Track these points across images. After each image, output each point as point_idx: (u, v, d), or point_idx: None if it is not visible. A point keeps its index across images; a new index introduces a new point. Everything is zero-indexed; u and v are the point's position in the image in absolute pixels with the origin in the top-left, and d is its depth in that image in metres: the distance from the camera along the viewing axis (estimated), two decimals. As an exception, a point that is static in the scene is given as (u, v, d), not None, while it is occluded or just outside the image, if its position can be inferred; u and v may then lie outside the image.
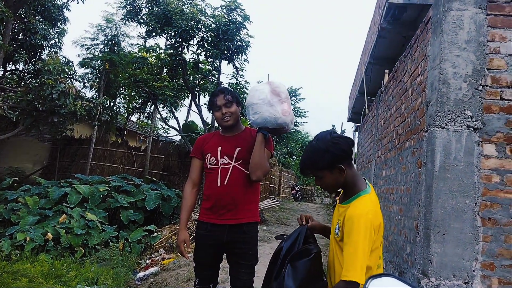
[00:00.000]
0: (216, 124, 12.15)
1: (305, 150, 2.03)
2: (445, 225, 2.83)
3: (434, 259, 2.81)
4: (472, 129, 2.90)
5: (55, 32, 13.04)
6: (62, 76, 10.64)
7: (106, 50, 14.40)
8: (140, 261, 7.36)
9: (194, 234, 3.71)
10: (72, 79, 13.11)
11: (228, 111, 2.94)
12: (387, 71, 6.40)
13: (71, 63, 13.45)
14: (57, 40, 13.20)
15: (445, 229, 2.83)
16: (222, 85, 11.54)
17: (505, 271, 2.78)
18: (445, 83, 2.94)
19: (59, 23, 13.02)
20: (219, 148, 2.93)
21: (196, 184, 3.05)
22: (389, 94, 5.27)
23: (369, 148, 7.17)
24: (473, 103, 2.92)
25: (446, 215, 2.84)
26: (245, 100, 3.06)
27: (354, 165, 2.08)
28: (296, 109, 28.77)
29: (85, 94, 13.88)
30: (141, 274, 6.49)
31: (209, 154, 2.94)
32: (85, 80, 14.87)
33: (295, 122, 3.63)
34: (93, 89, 14.70)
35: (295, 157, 38.22)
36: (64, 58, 13.11)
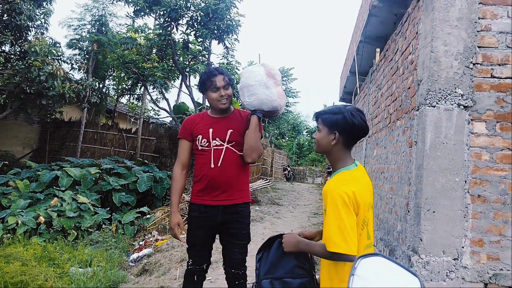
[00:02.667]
0: (207, 105, 12.08)
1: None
2: (435, 203, 2.86)
3: (424, 236, 2.84)
4: (462, 108, 2.90)
5: (40, 12, 12.70)
6: (49, 58, 10.44)
7: (93, 30, 14.12)
8: (133, 243, 7.39)
9: (186, 216, 3.72)
10: (59, 61, 12.83)
11: (226, 93, 2.90)
12: (378, 50, 6.37)
13: (58, 44, 13.15)
14: (43, 20, 12.87)
15: (435, 207, 2.86)
16: (213, 65, 11.43)
17: (493, 247, 2.82)
18: (436, 61, 2.93)
19: (44, 3, 12.67)
20: (211, 130, 2.91)
21: (186, 165, 3.03)
22: (380, 73, 5.25)
23: (360, 127, 7.17)
24: (464, 81, 2.91)
25: (436, 193, 2.87)
26: (237, 81, 3.03)
27: (353, 148, 2.09)
28: (288, 90, 28.64)
29: (73, 76, 13.67)
30: (135, 255, 6.53)
31: (200, 136, 2.91)
32: (73, 62, 14.58)
33: (286, 102, 3.63)
34: (82, 70, 14.44)
35: (287, 138, 38.32)
36: (51, 39, 12.80)
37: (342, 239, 1.77)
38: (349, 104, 12.96)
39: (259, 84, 2.77)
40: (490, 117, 2.90)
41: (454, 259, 2.82)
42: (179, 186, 2.99)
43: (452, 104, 2.91)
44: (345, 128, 1.94)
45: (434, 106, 2.91)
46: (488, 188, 2.86)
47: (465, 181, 2.87)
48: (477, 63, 2.93)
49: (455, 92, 2.91)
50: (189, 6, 10.48)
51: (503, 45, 2.92)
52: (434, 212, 2.85)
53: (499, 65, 2.92)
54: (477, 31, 2.94)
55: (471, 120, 2.90)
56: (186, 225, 3.15)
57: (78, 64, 14.54)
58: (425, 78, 3.00)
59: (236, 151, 2.87)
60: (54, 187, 8.30)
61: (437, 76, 2.92)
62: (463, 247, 2.83)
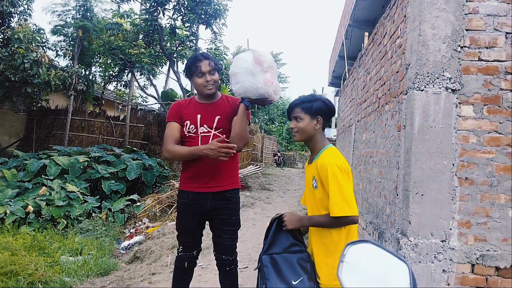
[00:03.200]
0: (195, 91, 11.99)
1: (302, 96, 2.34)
2: (423, 186, 2.88)
3: (413, 219, 2.87)
4: (450, 91, 2.91)
5: (23, -2, 12.43)
6: (33, 45, 10.26)
7: (78, 16, 13.86)
8: (124, 231, 7.39)
9: (176, 203, 3.70)
10: (44, 48, 12.61)
11: (212, 78, 2.85)
12: (367, 33, 6.35)
13: (42, 31, 12.91)
14: (26, 6, 12.58)
15: (423, 190, 2.88)
16: (201, 51, 11.31)
17: (480, 229, 2.87)
18: (424, 44, 2.92)
19: (27, -11, 12.40)
20: (199, 116, 2.88)
21: (178, 143, 2.90)
22: (369, 57, 5.24)
23: (349, 112, 7.20)
24: (451, 65, 2.91)
25: (425, 176, 2.89)
26: (224, 67, 2.99)
27: (342, 133, 2.33)
28: (277, 74, 28.58)
29: (58, 63, 13.47)
30: (126, 243, 6.53)
31: (188, 122, 2.88)
32: (58, 48, 14.34)
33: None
34: (67, 57, 14.21)
35: (277, 124, 38.30)
36: (34, 26, 12.55)
37: (345, 203, 2.01)
38: (338, 88, 12.96)
39: (244, 71, 2.69)
40: (478, 100, 2.91)
41: (442, 241, 2.86)
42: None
43: (440, 88, 2.91)
44: (326, 112, 2.24)
45: (422, 90, 2.92)
46: (476, 170, 2.89)
47: (453, 164, 2.89)
48: (465, 46, 2.93)
49: (443, 75, 2.91)
50: (175, -10, 10.32)
51: (491, 27, 2.92)
52: (422, 195, 2.88)
53: (487, 48, 2.92)
54: (465, 14, 2.93)
55: (459, 103, 2.91)
56: (176, 212, 3.14)
57: (63, 51, 14.30)
58: (413, 62, 3.00)
59: (224, 137, 2.85)
60: (42, 176, 8.23)
61: (425, 59, 2.92)
62: (450, 229, 2.87)
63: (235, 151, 2.71)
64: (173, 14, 10.88)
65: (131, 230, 7.28)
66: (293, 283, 2.05)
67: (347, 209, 2.00)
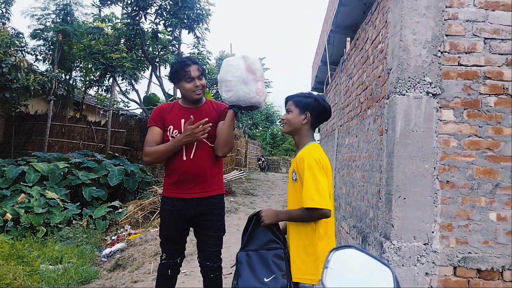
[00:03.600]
0: (178, 95, 11.91)
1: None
2: (405, 190, 2.91)
3: (396, 222, 2.89)
4: (431, 95, 2.95)
5: (1, 1, 12.21)
6: (12, 49, 10.06)
7: (58, 20, 13.67)
8: (105, 238, 7.27)
9: (159, 209, 3.66)
10: (23, 52, 12.40)
11: (200, 84, 2.82)
12: (349, 39, 6.41)
13: (21, 35, 12.68)
14: (4, 10, 12.38)
15: (405, 194, 2.91)
16: (183, 55, 11.26)
17: (462, 231, 2.90)
18: (405, 49, 2.96)
19: (5, -8, 12.19)
20: (182, 121, 2.85)
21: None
22: (351, 63, 5.28)
23: (332, 117, 7.24)
24: (432, 70, 2.95)
25: (407, 180, 2.91)
26: (208, 72, 2.96)
27: (325, 138, 2.35)
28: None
29: (38, 67, 13.25)
30: (107, 250, 6.42)
31: (171, 127, 2.85)
32: (38, 53, 14.10)
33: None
34: (47, 62, 13.98)
35: (261, 128, 38.36)
36: (13, 30, 12.33)
37: (319, 196, 2.03)
38: (321, 93, 13.05)
39: (237, 79, 2.66)
40: (458, 104, 2.96)
41: (425, 244, 2.88)
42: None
43: (421, 92, 2.95)
44: (316, 110, 2.27)
45: (404, 95, 2.95)
46: (456, 174, 2.93)
47: (434, 168, 2.92)
48: (445, 51, 2.97)
49: (424, 80, 2.95)
50: (157, -6, 10.27)
51: (470, 33, 2.97)
52: (404, 198, 2.90)
53: (466, 53, 2.97)
54: (445, 20, 2.98)
55: (440, 107, 2.95)
56: (159, 218, 3.09)
57: (42, 55, 14.08)
58: (395, 67, 3.03)
59: (208, 142, 2.82)
60: (21, 182, 8.05)
61: (406, 64, 2.96)
62: (433, 232, 2.89)
63: (210, 125, 2.66)
64: (155, 19, 10.82)
65: (113, 237, 7.16)
66: (265, 280, 2.07)
67: (319, 201, 2.03)
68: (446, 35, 2.97)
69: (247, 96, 2.68)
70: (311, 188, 2.05)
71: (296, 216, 2.17)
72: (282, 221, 2.30)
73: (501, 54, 2.96)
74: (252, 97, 2.69)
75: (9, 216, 6.75)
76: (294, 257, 2.17)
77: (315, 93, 2.55)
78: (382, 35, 3.56)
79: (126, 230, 7.47)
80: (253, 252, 2.17)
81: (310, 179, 2.06)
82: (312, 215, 2.09)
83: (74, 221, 7.31)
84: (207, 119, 2.68)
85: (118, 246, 6.51)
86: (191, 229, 2.99)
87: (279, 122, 41.04)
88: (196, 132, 2.64)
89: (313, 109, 2.26)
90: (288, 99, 2.36)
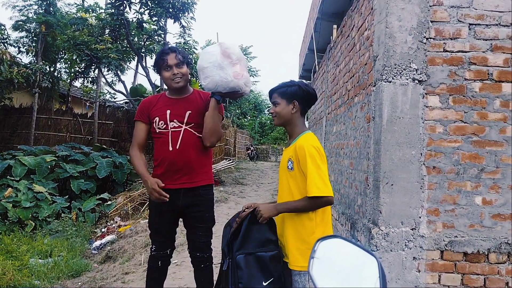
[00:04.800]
0: (165, 87, 11.82)
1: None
2: (393, 176, 2.94)
3: (383, 208, 2.93)
4: (417, 82, 2.96)
5: (-19, -7, 11.93)
6: (-7, 41, 9.85)
7: (40, 11, 13.40)
8: (95, 230, 7.24)
9: (148, 201, 3.64)
10: (5, 44, 12.16)
11: (179, 71, 2.80)
12: (335, 26, 6.39)
13: (2, 27, 12.42)
14: (-16, 1, 12.11)
15: (393, 180, 2.93)
16: (170, 45, 11.15)
17: (448, 216, 2.95)
18: (391, 36, 2.96)
19: (-16, -18, 11.90)
20: (168, 111, 2.82)
21: (142, 147, 2.92)
22: (337, 50, 5.28)
23: (320, 105, 7.25)
24: (418, 56, 2.97)
25: (394, 167, 2.94)
26: (195, 62, 2.93)
27: (313, 126, 2.33)
28: (248, 68, 28.49)
29: (21, 59, 13.00)
30: (97, 243, 6.40)
31: (157, 118, 2.83)
32: (20, 45, 13.84)
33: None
34: (30, 54, 13.74)
35: (249, 117, 38.31)
36: (-6, 21, 12.09)
37: (323, 184, 2.05)
38: (308, 81, 13.05)
39: (212, 65, 2.65)
40: (443, 90, 2.98)
41: (412, 229, 2.92)
42: (142, 161, 2.87)
43: (407, 79, 2.96)
44: (302, 97, 2.26)
45: (390, 82, 2.96)
46: (443, 159, 2.97)
47: (421, 154, 2.95)
48: (430, 38, 2.98)
49: (410, 67, 2.96)
50: (141, -17, 10.11)
51: (455, 19, 2.98)
52: (392, 185, 2.93)
53: (451, 39, 2.99)
54: (430, 6, 2.98)
55: (425, 94, 2.97)
56: (148, 210, 3.09)
57: (26, 47, 13.83)
58: (381, 54, 3.03)
59: (196, 132, 2.81)
60: (8, 177, 7.95)
61: (392, 51, 2.96)
62: (420, 217, 2.93)
63: (167, 199, 2.66)
64: (140, 8, 10.66)
65: (103, 230, 7.14)
66: (264, 284, 2.06)
67: (324, 189, 2.03)
68: (431, 21, 2.98)
69: (224, 80, 2.65)
70: (315, 176, 2.05)
71: (298, 206, 2.13)
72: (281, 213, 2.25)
73: (486, 40, 2.98)
74: (230, 81, 2.65)
75: (-4, 211, 6.68)
76: (290, 245, 2.17)
77: (296, 80, 2.52)
78: (368, 22, 3.56)
79: (116, 222, 7.45)
80: (252, 256, 2.11)
81: (313, 168, 2.06)
82: (318, 203, 2.09)
83: (63, 215, 7.26)
84: (167, 196, 2.65)
85: (108, 238, 6.49)
86: (181, 219, 2.99)
87: (267, 112, 41.10)
88: (151, 193, 2.67)
89: (299, 97, 2.26)
90: (272, 92, 2.35)
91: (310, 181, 2.06)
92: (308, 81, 13.92)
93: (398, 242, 2.90)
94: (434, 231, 2.94)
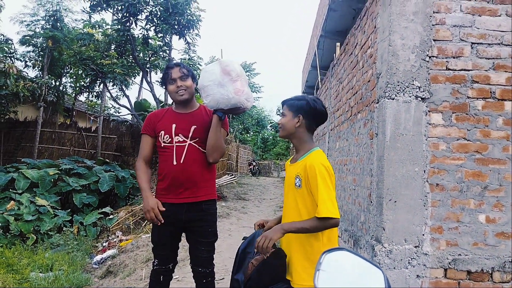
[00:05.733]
0: (169, 101, 11.88)
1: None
2: (396, 193, 2.94)
3: (387, 225, 2.92)
4: (420, 99, 2.99)
5: (-10, 8, 12.12)
6: (1, 55, 9.99)
7: (48, 26, 13.57)
8: (96, 245, 7.21)
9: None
10: (12, 58, 12.30)
11: (183, 84, 2.83)
12: (338, 44, 6.46)
13: (10, 41, 12.59)
14: (-8, 16, 12.31)
15: (396, 197, 2.93)
16: (174, 61, 11.26)
17: (452, 234, 2.93)
18: (394, 54, 3.00)
19: (-7, -2, 12.10)
20: (173, 126, 2.85)
21: (148, 161, 2.95)
22: (341, 67, 5.33)
23: (323, 121, 7.25)
24: (420, 74, 3.00)
25: (397, 183, 2.94)
26: (199, 77, 2.97)
27: (316, 142, 2.28)
28: (251, 84, 28.68)
29: (27, 73, 13.13)
30: (98, 257, 6.37)
31: (162, 132, 2.85)
32: (27, 59, 13.98)
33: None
34: (36, 68, 13.87)
35: (252, 133, 38.38)
36: (2, 36, 12.24)
37: (332, 205, 2.00)
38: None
39: (213, 83, 2.68)
40: (446, 108, 3.00)
41: (416, 247, 2.91)
42: (146, 176, 2.88)
43: (410, 96, 2.98)
44: (308, 112, 2.22)
45: (393, 99, 2.98)
46: (446, 176, 2.97)
47: (424, 171, 2.96)
48: (433, 56, 3.02)
49: (413, 84, 2.99)
50: (148, 0, 10.27)
51: (457, 38, 3.02)
52: (395, 201, 2.93)
53: (454, 57, 3.02)
54: (432, 25, 3.02)
55: (428, 111, 2.99)
56: (151, 224, 3.08)
57: (32, 61, 13.97)
58: (384, 71, 3.06)
59: (200, 147, 2.83)
60: (11, 190, 7.96)
61: (395, 69, 2.99)
62: (423, 235, 2.92)
63: (160, 222, 2.72)
64: (146, 25, 10.80)
65: (104, 244, 7.10)
66: None
67: (333, 211, 2.00)
68: (434, 40, 3.02)
69: (225, 97, 2.67)
70: (325, 197, 2.01)
71: (306, 226, 2.07)
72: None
73: (488, 59, 3.01)
74: (231, 98, 2.67)
75: (-2, 224, 6.67)
76: (295, 263, 2.14)
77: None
78: (371, 40, 3.60)
79: (117, 236, 7.42)
80: None
81: (323, 188, 2.02)
82: (326, 225, 2.04)
83: (64, 228, 7.23)
84: (161, 220, 2.72)
85: (109, 252, 6.46)
86: (183, 234, 2.99)
87: (270, 127, 41.15)
88: (146, 214, 2.75)
89: (305, 112, 2.22)
90: (282, 103, 2.34)
91: (321, 202, 2.01)
92: (311, 98, 13.96)
93: (401, 260, 2.89)
94: (437, 249, 2.92)
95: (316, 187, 2.04)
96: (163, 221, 2.73)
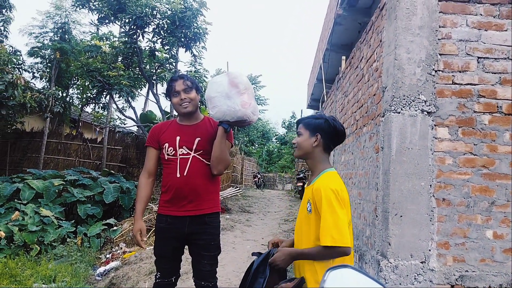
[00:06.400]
0: (175, 113, 11.92)
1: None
2: (402, 207, 2.91)
3: (392, 240, 2.88)
4: (426, 113, 2.97)
5: (0, 20, 12.31)
6: (9, 66, 10.10)
7: (56, 38, 13.74)
8: (100, 256, 7.17)
9: (154, 227, 3.62)
10: (20, 69, 12.43)
11: (187, 96, 2.84)
12: (344, 57, 6.48)
13: (18, 53, 12.74)
14: (2, 28, 12.47)
15: (402, 211, 2.90)
16: (180, 73, 11.32)
17: (459, 249, 2.89)
18: (400, 68, 3.00)
19: (4, 10, 12.29)
20: (178, 138, 2.85)
21: (152, 174, 2.96)
22: (346, 81, 5.33)
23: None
24: (426, 88, 2.99)
25: (403, 198, 2.91)
26: (205, 89, 2.98)
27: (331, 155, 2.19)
28: (256, 97, 28.77)
29: (35, 85, 13.25)
30: (101, 269, 6.32)
31: (166, 144, 2.85)
32: (35, 70, 14.13)
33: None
34: (44, 79, 14.01)
35: (257, 145, 38.40)
36: (11, 47, 12.40)
37: (338, 232, 1.88)
38: (317, 110, 13.13)
39: (220, 95, 2.69)
40: (452, 122, 2.98)
41: (422, 262, 2.86)
42: (144, 194, 2.93)
43: (416, 110, 2.97)
44: (327, 132, 2.12)
45: (399, 112, 2.97)
46: (452, 191, 2.94)
47: (430, 185, 2.93)
48: (439, 70, 3.01)
49: (419, 98, 2.98)
50: (155, 14, 10.37)
51: (463, 52, 3.02)
52: (401, 216, 2.90)
53: (460, 71, 3.01)
54: (438, 39, 3.02)
55: (435, 125, 2.98)
56: (154, 236, 3.07)
57: (40, 72, 14.12)
58: (390, 85, 3.06)
59: (204, 160, 2.82)
60: (16, 200, 7.97)
61: (401, 83, 2.99)
62: (430, 250, 2.88)
63: (143, 248, 2.93)
64: (152, 37, 10.90)
65: (107, 256, 7.07)
66: None
67: (338, 238, 1.87)
68: (440, 54, 3.02)
69: (232, 110, 2.67)
70: (329, 224, 1.89)
71: (312, 255, 1.99)
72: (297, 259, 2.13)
73: (495, 73, 3.00)
74: (237, 111, 2.67)
75: (2, 234, 6.67)
76: (310, 280, 2.03)
77: (305, 112, 2.52)
78: (377, 54, 3.60)
79: (121, 248, 7.38)
80: None
81: (328, 214, 1.91)
82: (331, 253, 1.93)
83: (68, 239, 7.22)
84: (144, 248, 2.95)
85: (112, 264, 6.42)
86: (186, 247, 2.97)
87: (275, 140, 41.11)
88: (134, 238, 2.90)
89: (324, 131, 2.12)
90: (298, 122, 2.25)
91: (323, 229, 1.91)
92: (316, 111, 13.99)
93: (407, 275, 2.84)
94: (444, 265, 2.88)
95: (320, 212, 1.95)
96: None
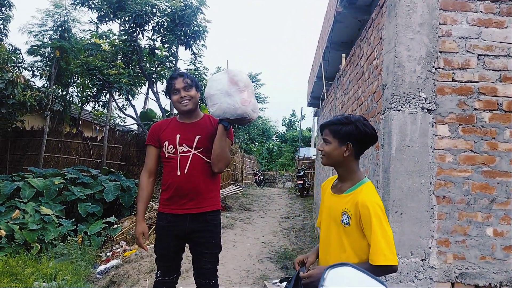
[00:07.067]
0: (175, 111, 11.92)
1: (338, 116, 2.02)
2: (402, 205, 2.91)
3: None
4: (426, 111, 2.97)
5: (-1, 18, 12.30)
6: (9, 65, 10.09)
7: (56, 36, 13.72)
8: (100, 254, 7.18)
9: (155, 225, 3.63)
10: (20, 68, 12.44)
11: (187, 94, 2.84)
12: (344, 55, 6.47)
13: (18, 51, 12.73)
14: (2, 27, 12.45)
15: (402, 209, 2.90)
16: (180, 71, 11.31)
17: (459, 247, 2.89)
18: (400, 66, 2.99)
19: (3, 9, 12.28)
20: (178, 136, 2.85)
21: (153, 173, 2.96)
22: (346, 78, 5.33)
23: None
24: (427, 85, 2.98)
25: (403, 195, 2.91)
26: (205, 87, 2.97)
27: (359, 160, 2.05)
28: (257, 95, 28.76)
29: (34, 83, 13.24)
30: (102, 267, 6.34)
31: (166, 142, 2.85)
32: (35, 69, 14.12)
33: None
34: (44, 78, 14.00)
35: (257, 143, 38.42)
36: (10, 46, 12.39)
37: (389, 251, 1.77)
38: (317, 108, 13.11)
39: (220, 92, 2.68)
40: (453, 119, 2.98)
41: (422, 260, 2.87)
42: (145, 194, 2.93)
43: (416, 108, 2.97)
44: (358, 138, 1.93)
45: (399, 110, 2.97)
46: (453, 189, 2.94)
47: (430, 183, 2.93)
48: (439, 68, 3.01)
49: (419, 96, 2.97)
50: (154, 11, 10.36)
51: (463, 49, 3.01)
52: (401, 214, 2.90)
53: (460, 69, 3.01)
54: (438, 36, 3.02)
55: (435, 123, 2.97)
56: (154, 234, 3.07)
57: (39, 71, 14.10)
58: (390, 83, 3.05)
59: (204, 157, 2.82)
60: (16, 198, 7.98)
61: (401, 80, 2.98)
62: (430, 248, 2.88)
63: (146, 250, 3.00)
64: (152, 35, 10.89)
65: (108, 254, 7.08)
66: None
67: (391, 258, 1.77)
68: (440, 52, 3.01)
69: (231, 107, 2.67)
70: (381, 242, 1.77)
71: None
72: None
73: (495, 70, 2.99)
74: (237, 108, 2.67)
75: (3, 232, 6.67)
76: None
77: (305, 109, 2.49)
78: (377, 51, 3.60)
79: (121, 246, 7.39)
80: None
81: (379, 231, 1.78)
82: (380, 272, 1.80)
83: (69, 238, 7.23)
84: (147, 249, 3.01)
85: (113, 262, 6.43)
86: (187, 245, 2.97)
87: (275, 138, 41.07)
88: (137, 238, 2.90)
89: (355, 138, 1.92)
90: (323, 127, 2.02)
91: (375, 248, 1.78)
92: (316, 108, 13.97)
93: (407, 273, 2.85)
94: (444, 263, 2.88)
95: (370, 229, 1.81)
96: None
